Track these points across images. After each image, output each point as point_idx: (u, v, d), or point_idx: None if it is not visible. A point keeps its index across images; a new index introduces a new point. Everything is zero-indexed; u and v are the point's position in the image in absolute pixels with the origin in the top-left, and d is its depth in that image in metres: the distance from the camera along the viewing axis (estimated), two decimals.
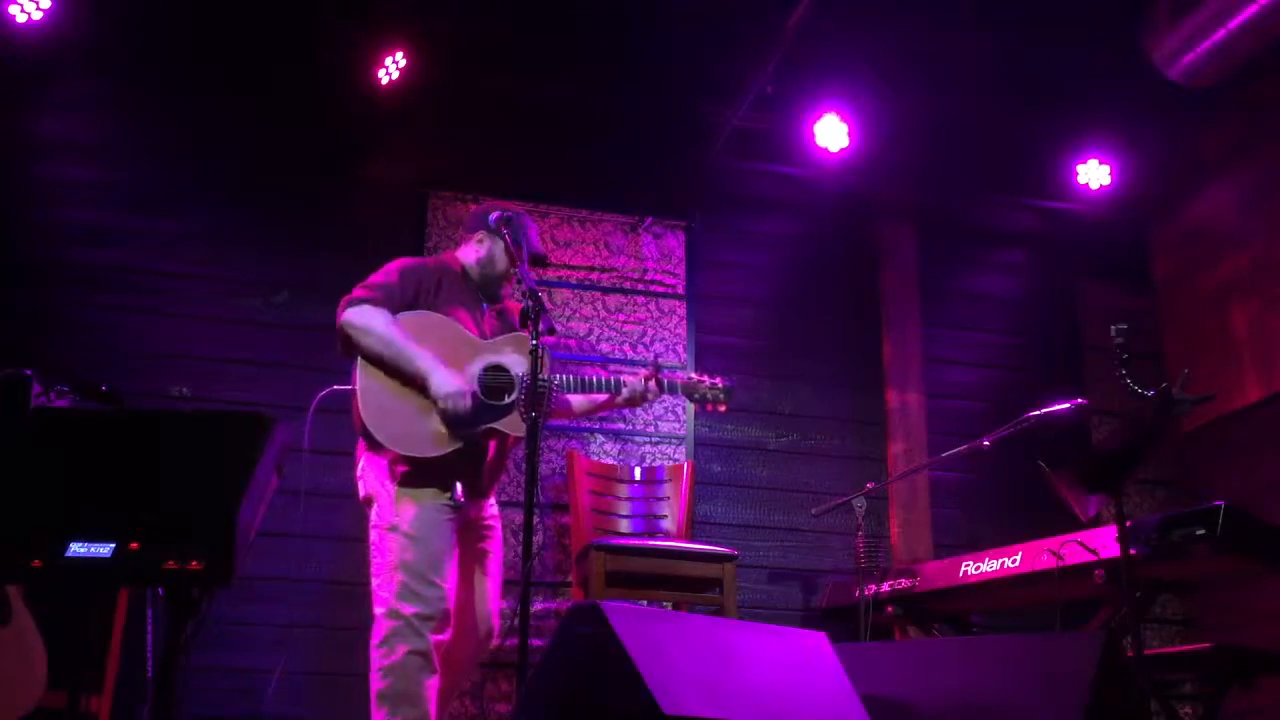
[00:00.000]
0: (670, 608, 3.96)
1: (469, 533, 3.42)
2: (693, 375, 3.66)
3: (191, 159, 4.63)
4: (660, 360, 4.62)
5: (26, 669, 2.89)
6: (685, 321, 4.98)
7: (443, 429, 3.27)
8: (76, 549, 1.94)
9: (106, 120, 4.60)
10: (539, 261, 3.61)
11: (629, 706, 2.14)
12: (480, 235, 3.58)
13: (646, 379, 3.53)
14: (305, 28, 4.68)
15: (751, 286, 5.15)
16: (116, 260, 4.43)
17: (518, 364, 3.36)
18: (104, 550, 1.94)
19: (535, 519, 3.03)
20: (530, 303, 3.21)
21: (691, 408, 4.84)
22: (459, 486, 3.27)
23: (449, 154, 4.90)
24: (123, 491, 2.06)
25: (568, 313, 4.82)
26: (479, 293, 3.57)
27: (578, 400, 3.66)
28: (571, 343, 4.79)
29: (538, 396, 3.10)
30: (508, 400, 3.34)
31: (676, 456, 4.77)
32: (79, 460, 2.12)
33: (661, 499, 4.47)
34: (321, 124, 4.75)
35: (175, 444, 2.18)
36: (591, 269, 4.92)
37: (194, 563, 1.93)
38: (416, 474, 3.26)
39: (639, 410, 4.77)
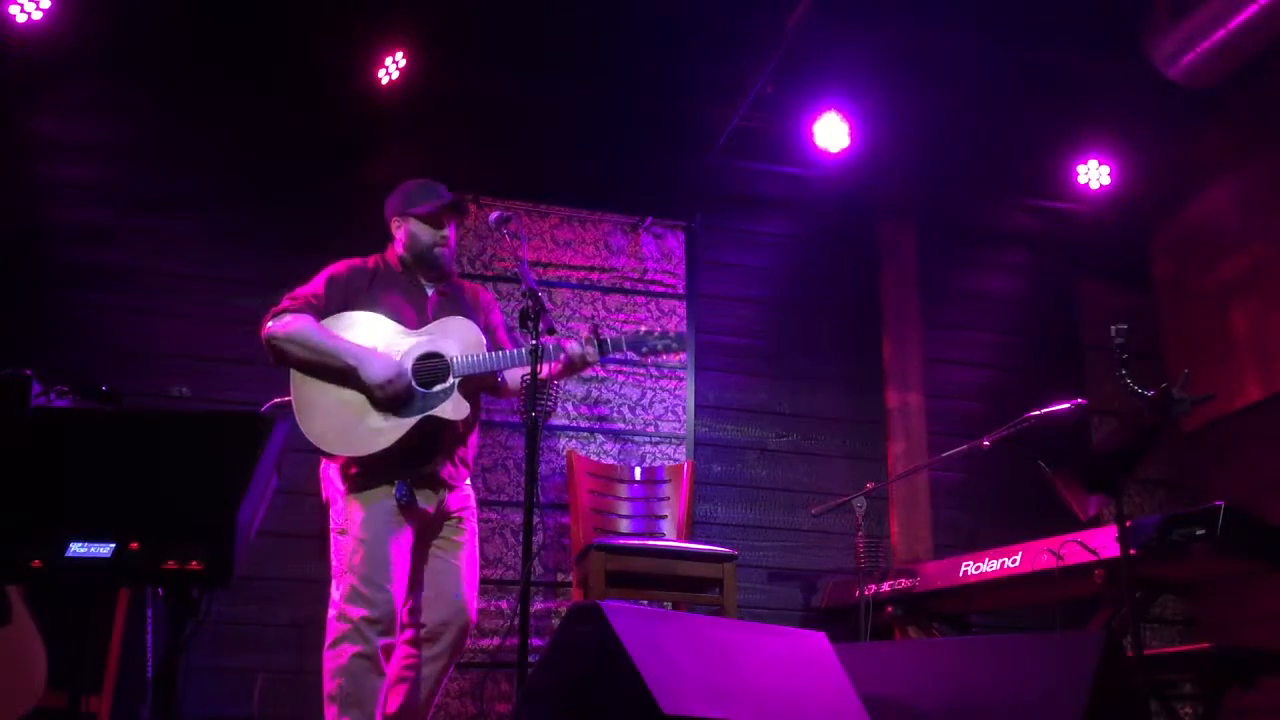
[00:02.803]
0: (670, 608, 3.96)
1: (433, 530, 3.35)
2: (640, 329, 3.53)
3: (191, 159, 4.62)
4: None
5: (26, 669, 2.89)
6: (685, 321, 4.97)
7: (381, 423, 3.22)
8: (76, 549, 1.94)
9: (106, 120, 4.60)
10: (457, 208, 3.53)
11: (629, 706, 2.14)
12: (395, 222, 3.52)
13: (585, 341, 3.39)
14: (305, 28, 4.68)
15: (751, 286, 5.15)
16: (116, 260, 4.43)
17: (451, 347, 3.30)
18: (104, 550, 1.94)
19: (535, 519, 3.02)
20: (530, 303, 3.21)
21: (692, 408, 4.84)
22: (403, 486, 3.21)
23: (449, 154, 4.89)
24: (123, 491, 2.06)
25: (568, 313, 4.82)
26: (418, 277, 3.49)
27: (513, 375, 3.50)
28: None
29: (538, 396, 3.10)
30: (440, 387, 3.27)
31: (676, 456, 4.77)
32: (79, 460, 2.12)
33: (661, 499, 4.47)
34: (321, 124, 4.75)
35: (175, 444, 2.18)
36: (591, 269, 4.92)
37: (194, 563, 1.92)
38: (365, 475, 3.23)
39: (639, 410, 4.77)
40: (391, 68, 4.65)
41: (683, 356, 4.89)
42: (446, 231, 3.48)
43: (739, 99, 4.91)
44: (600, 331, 3.41)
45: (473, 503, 3.50)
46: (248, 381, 4.34)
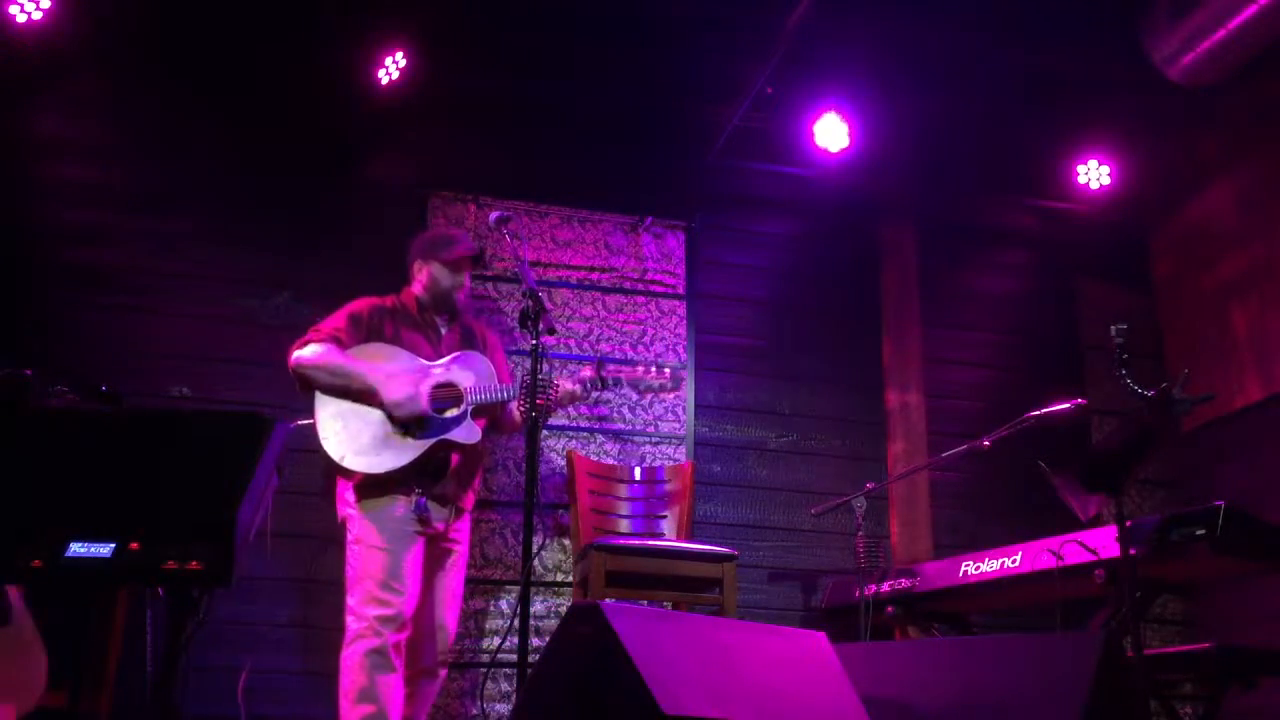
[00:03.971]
0: (670, 608, 3.96)
1: (434, 546, 3.58)
2: (638, 369, 3.88)
3: (191, 159, 4.62)
4: (662, 361, 4.66)
5: (26, 669, 2.89)
6: (685, 321, 4.97)
7: (399, 444, 3.48)
8: (76, 549, 1.94)
9: (106, 120, 4.60)
10: (478, 259, 3.92)
11: (629, 706, 2.14)
12: (417, 264, 3.86)
13: (590, 384, 3.80)
14: (305, 28, 4.67)
15: (751, 286, 5.15)
16: (116, 260, 4.43)
17: (465, 379, 3.63)
18: (104, 550, 1.94)
19: (535, 519, 3.10)
20: (530, 303, 3.30)
21: (692, 408, 4.84)
22: (422, 501, 3.49)
23: (449, 154, 4.90)
24: (123, 491, 2.06)
25: (568, 313, 4.82)
26: (432, 316, 3.82)
27: (514, 409, 3.82)
28: (571, 342, 4.79)
29: (538, 397, 3.20)
30: (453, 414, 3.58)
31: (676, 456, 4.77)
32: (79, 460, 2.12)
33: (661, 499, 4.46)
34: (322, 124, 4.74)
35: (175, 444, 2.18)
36: (591, 269, 4.92)
37: (194, 563, 1.93)
38: (380, 488, 3.47)
39: (639, 410, 4.77)
40: (391, 68, 4.65)
41: (683, 356, 4.90)
42: (463, 277, 3.84)
43: (739, 99, 4.90)
44: (603, 371, 3.83)
45: (467, 530, 3.78)
46: (248, 381, 4.35)
